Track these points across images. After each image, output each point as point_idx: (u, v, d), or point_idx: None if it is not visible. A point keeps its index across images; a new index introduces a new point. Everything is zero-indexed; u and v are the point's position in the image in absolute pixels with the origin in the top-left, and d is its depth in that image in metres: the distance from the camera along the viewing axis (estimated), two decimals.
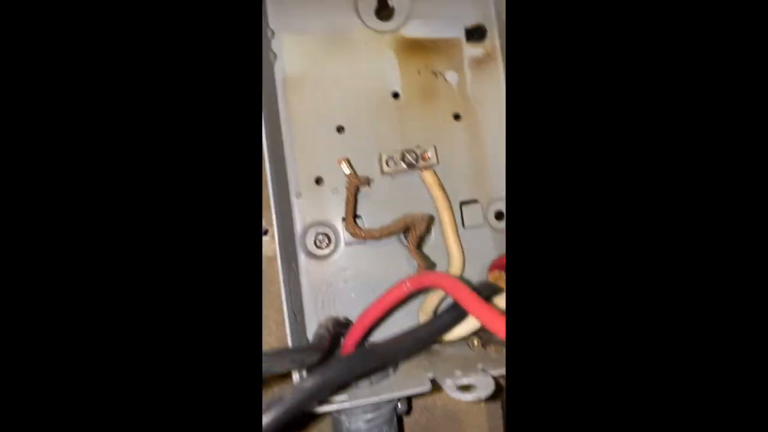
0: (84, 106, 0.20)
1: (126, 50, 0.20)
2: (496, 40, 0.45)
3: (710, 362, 0.19)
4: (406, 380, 0.33)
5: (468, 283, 0.35)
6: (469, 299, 0.29)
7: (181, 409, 0.19)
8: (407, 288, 0.32)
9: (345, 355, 0.27)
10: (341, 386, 0.30)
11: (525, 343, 0.20)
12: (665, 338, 0.19)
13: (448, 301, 0.36)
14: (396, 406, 0.36)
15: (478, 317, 0.29)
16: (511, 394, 0.20)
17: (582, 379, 0.19)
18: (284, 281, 0.34)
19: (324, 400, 0.30)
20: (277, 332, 0.43)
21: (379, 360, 0.28)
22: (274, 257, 0.34)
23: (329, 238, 0.42)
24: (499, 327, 0.28)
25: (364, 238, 0.38)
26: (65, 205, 0.19)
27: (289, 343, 0.33)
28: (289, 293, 0.35)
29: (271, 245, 0.40)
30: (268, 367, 0.23)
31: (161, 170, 0.20)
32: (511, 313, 0.21)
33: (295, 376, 0.31)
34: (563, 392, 0.20)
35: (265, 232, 0.43)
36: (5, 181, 0.19)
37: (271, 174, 0.34)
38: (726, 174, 0.19)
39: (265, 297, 0.40)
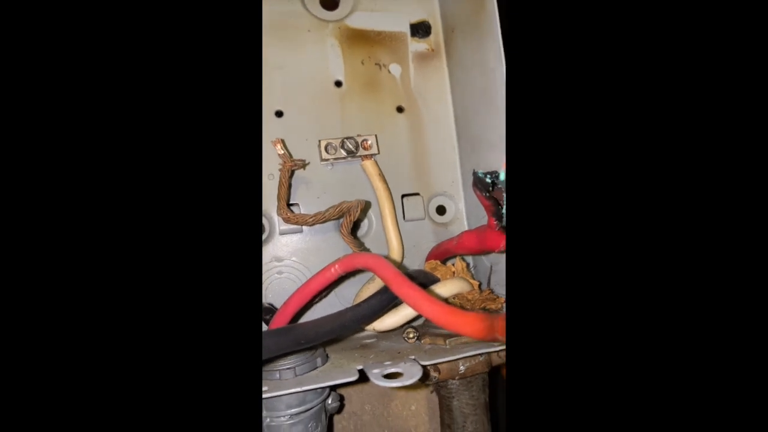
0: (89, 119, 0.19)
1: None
2: (440, 37, 0.46)
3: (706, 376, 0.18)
4: (332, 371, 0.31)
5: (403, 268, 0.34)
6: (397, 280, 0.28)
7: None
8: (335, 271, 0.30)
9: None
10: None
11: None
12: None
13: None
14: (326, 403, 0.34)
15: (405, 299, 0.28)
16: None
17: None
18: None
19: None
20: None
21: (294, 339, 0.26)
22: None
23: (263, 227, 0.40)
24: (426, 309, 0.27)
25: (297, 224, 0.37)
26: (66, 206, 0.19)
27: None
28: None
29: None
30: None
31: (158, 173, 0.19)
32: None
33: None
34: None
35: None
36: (5, 181, 0.18)
37: None
38: (724, 179, 0.18)
39: None
